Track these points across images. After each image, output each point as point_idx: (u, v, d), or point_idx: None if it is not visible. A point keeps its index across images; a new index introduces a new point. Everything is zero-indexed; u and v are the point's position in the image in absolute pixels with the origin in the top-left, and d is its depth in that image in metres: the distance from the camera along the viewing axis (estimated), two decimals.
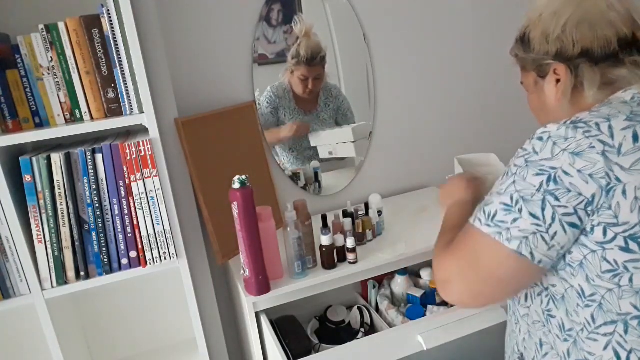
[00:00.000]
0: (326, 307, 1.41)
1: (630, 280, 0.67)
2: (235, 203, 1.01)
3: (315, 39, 1.45)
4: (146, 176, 1.03)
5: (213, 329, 1.40)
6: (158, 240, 1.07)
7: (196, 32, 1.36)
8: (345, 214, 1.28)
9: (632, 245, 0.66)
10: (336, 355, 1.04)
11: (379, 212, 1.33)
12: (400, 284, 1.37)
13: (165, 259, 1.09)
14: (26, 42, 0.99)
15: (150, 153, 1.02)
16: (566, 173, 0.66)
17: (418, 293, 1.32)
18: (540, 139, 0.70)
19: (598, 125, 0.67)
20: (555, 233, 0.68)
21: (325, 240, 1.15)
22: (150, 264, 1.08)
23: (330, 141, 1.34)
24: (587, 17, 0.72)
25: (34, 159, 0.98)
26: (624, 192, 0.65)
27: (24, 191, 0.98)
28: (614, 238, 0.66)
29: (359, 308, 1.35)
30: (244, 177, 1.01)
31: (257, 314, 1.15)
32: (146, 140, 1.02)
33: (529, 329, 0.82)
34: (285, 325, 1.28)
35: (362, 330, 1.29)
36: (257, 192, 1.04)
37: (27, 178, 0.98)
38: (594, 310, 0.71)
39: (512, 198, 0.70)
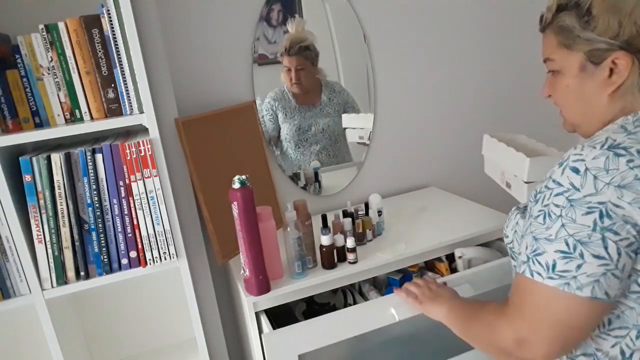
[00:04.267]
0: None
1: None
2: (235, 203, 1.01)
3: (300, 34, 1.46)
4: (146, 176, 1.03)
5: (213, 329, 1.40)
6: (158, 240, 1.07)
7: (196, 32, 1.36)
8: (345, 214, 1.28)
9: None
10: (314, 325, 1.05)
11: (379, 212, 1.33)
12: None
13: (165, 259, 1.09)
14: (26, 42, 0.99)
15: (150, 153, 1.02)
16: (617, 206, 0.62)
17: (397, 276, 1.34)
18: (576, 170, 0.64)
19: None
20: (624, 265, 0.64)
21: (325, 240, 1.15)
22: (150, 264, 1.08)
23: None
24: None
25: (34, 159, 0.98)
26: None
27: (24, 191, 0.98)
28: None
29: (342, 291, 1.35)
30: (244, 177, 1.01)
31: (257, 314, 1.15)
32: (146, 140, 1.02)
33: None
34: (275, 311, 1.28)
35: None
36: (257, 192, 1.04)
37: (27, 178, 0.98)
38: (610, 318, 0.70)
39: (567, 244, 0.65)
